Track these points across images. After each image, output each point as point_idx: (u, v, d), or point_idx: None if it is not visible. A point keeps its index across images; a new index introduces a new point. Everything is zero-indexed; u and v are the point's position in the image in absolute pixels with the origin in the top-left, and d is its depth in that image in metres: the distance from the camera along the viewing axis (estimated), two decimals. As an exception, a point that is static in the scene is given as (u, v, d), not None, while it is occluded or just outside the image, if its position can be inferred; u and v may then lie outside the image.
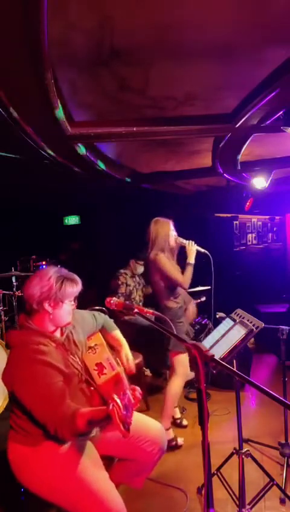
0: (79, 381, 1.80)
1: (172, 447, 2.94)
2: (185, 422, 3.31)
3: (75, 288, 1.79)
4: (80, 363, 1.85)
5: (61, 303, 1.75)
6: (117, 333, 2.21)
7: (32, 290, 1.73)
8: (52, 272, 1.77)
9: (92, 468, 1.71)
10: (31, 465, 1.70)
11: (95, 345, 1.98)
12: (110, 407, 1.40)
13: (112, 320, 2.26)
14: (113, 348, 2.16)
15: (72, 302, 1.82)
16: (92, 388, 1.84)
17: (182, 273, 3.07)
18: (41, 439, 1.69)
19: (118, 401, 1.41)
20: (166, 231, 3.10)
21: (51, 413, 1.58)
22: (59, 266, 1.86)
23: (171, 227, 3.14)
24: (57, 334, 1.84)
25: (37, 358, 1.64)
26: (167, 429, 3.02)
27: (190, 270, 3.07)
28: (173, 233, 3.13)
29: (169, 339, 3.01)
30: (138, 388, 1.63)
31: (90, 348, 1.96)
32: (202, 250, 3.20)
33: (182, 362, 3.05)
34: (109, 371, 1.87)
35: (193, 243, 3.17)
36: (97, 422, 1.57)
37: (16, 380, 1.64)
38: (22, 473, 1.73)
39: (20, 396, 1.63)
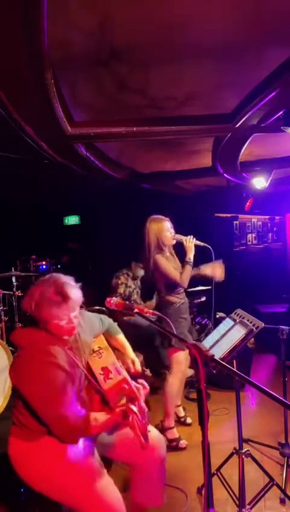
0: (81, 382, 1.79)
1: (173, 447, 2.93)
2: (189, 420, 3.31)
3: (62, 308, 1.68)
4: (84, 364, 1.84)
5: (59, 320, 1.69)
6: (121, 337, 2.20)
7: (27, 308, 1.71)
8: (37, 297, 1.67)
9: (92, 465, 1.71)
10: (32, 461, 1.70)
11: (100, 348, 1.96)
12: (130, 419, 1.38)
13: (116, 323, 2.24)
14: (116, 350, 2.15)
15: (64, 321, 1.71)
16: (94, 390, 1.82)
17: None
18: (43, 435, 1.69)
19: (135, 410, 1.39)
20: (157, 229, 3.03)
21: (60, 419, 1.57)
22: (48, 276, 1.74)
23: (166, 224, 3.06)
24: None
25: (47, 360, 1.63)
26: (170, 428, 3.02)
27: (188, 269, 2.99)
28: (167, 231, 3.04)
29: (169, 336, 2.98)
30: (144, 383, 1.59)
31: (94, 351, 1.94)
32: (201, 243, 3.11)
33: (179, 360, 3.04)
34: (114, 376, 1.85)
35: (191, 238, 3.06)
36: (107, 427, 1.58)
37: (25, 381, 1.64)
38: (22, 468, 1.72)
39: (28, 397, 1.63)
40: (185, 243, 3.05)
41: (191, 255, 3.03)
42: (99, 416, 1.63)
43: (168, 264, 3.00)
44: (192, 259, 3.02)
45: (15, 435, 1.75)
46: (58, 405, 1.58)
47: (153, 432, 1.97)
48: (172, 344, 2.99)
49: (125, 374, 1.90)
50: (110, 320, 2.21)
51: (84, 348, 1.87)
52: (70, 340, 1.80)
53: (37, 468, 1.70)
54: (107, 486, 1.69)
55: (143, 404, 1.49)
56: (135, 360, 2.14)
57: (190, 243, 3.04)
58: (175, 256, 3.16)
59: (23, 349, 1.71)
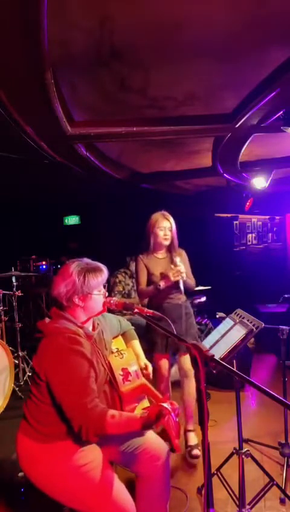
0: (105, 381, 1.78)
1: (194, 457, 2.75)
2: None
3: (99, 278, 1.76)
4: (106, 362, 1.83)
5: (89, 295, 1.74)
6: (136, 343, 2.18)
7: (58, 289, 1.73)
8: (73, 267, 1.74)
9: (103, 470, 1.66)
10: (39, 463, 1.66)
11: (120, 349, 1.97)
12: (166, 418, 1.36)
13: (133, 328, 2.22)
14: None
15: (101, 291, 1.79)
16: (114, 391, 1.81)
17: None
18: (55, 440, 1.65)
19: (170, 408, 1.36)
20: (150, 225, 2.92)
21: (81, 408, 1.54)
22: (80, 258, 1.81)
23: (161, 222, 2.87)
24: (90, 328, 1.83)
25: (73, 348, 1.62)
26: (191, 431, 2.91)
27: (149, 289, 2.86)
28: (158, 228, 2.87)
29: (152, 342, 2.92)
30: (174, 402, 1.55)
31: (114, 351, 1.94)
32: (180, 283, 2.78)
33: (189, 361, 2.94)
34: (133, 379, 1.85)
35: (180, 274, 2.75)
36: (126, 429, 1.54)
37: (52, 367, 1.61)
38: (29, 468, 1.69)
39: (53, 386, 1.60)
40: (169, 271, 2.78)
41: (164, 285, 2.79)
42: (117, 414, 1.56)
43: (140, 271, 2.92)
44: (159, 287, 2.80)
45: (24, 432, 1.71)
46: (82, 394, 1.55)
47: (156, 440, 1.90)
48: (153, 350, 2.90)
49: (144, 380, 1.89)
50: (129, 325, 2.19)
51: (107, 346, 1.88)
52: (94, 334, 1.81)
53: (46, 472, 1.65)
54: (120, 491, 1.65)
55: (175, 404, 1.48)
56: (148, 364, 2.11)
57: (174, 276, 2.75)
58: (174, 259, 2.83)
59: (50, 336, 1.68)
